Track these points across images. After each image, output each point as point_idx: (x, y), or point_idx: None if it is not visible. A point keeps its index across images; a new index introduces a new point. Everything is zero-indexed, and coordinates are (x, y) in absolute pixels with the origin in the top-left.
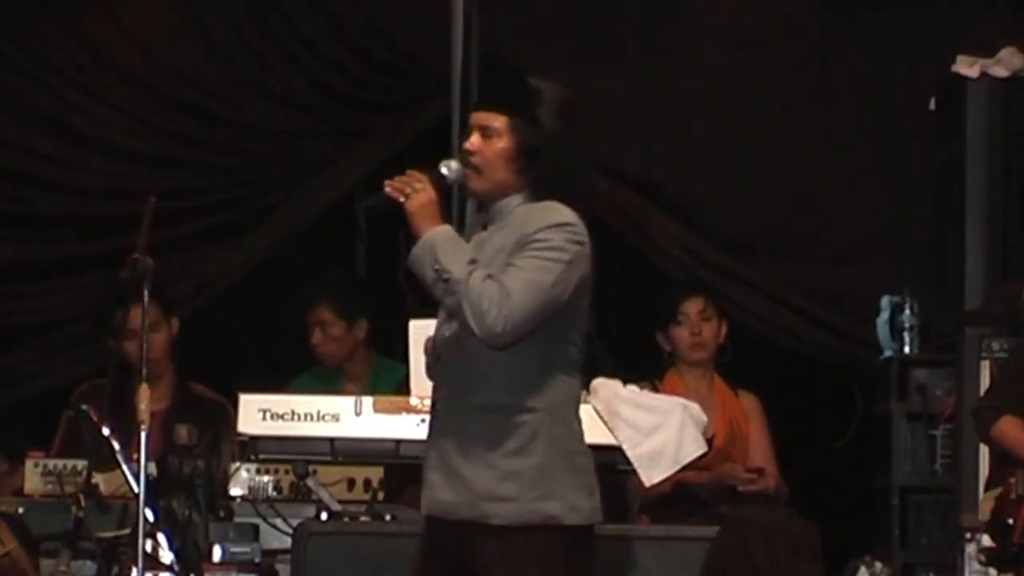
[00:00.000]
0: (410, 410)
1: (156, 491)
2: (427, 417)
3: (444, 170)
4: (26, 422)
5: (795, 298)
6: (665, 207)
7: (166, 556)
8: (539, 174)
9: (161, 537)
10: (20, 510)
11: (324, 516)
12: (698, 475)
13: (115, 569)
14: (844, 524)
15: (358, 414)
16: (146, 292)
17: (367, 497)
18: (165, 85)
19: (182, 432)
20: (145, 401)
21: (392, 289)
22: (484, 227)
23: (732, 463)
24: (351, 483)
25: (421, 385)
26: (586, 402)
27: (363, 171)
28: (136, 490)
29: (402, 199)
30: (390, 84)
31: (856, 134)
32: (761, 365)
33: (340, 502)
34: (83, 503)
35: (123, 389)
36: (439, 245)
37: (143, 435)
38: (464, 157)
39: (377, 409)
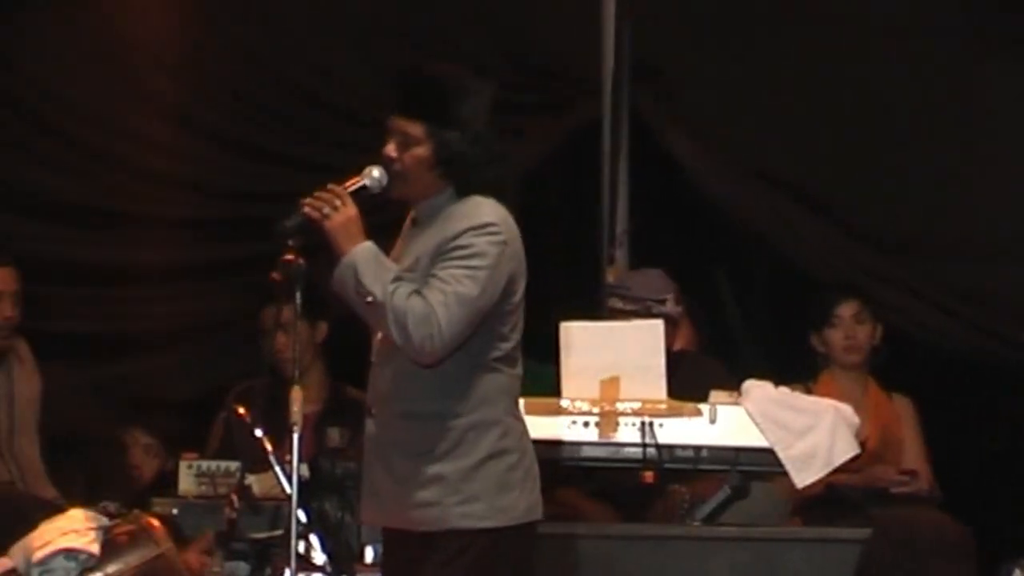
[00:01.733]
0: (561, 412)
1: (308, 493)
2: (579, 419)
3: (366, 180)
4: (182, 423)
5: (949, 300)
6: (817, 209)
7: (319, 557)
8: (461, 176)
9: (314, 538)
10: (174, 511)
11: None
12: (850, 477)
13: (268, 570)
14: (999, 527)
15: None
16: (298, 294)
17: None
18: (318, 88)
19: (334, 435)
20: (298, 403)
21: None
22: (413, 222)
23: (884, 465)
24: None
25: (572, 387)
26: (738, 404)
27: (515, 175)
28: (289, 491)
29: (321, 218)
30: (541, 87)
31: (1007, 131)
32: (916, 368)
33: None
34: (236, 504)
35: (276, 391)
36: (360, 265)
37: (295, 437)
38: (385, 163)
39: (528, 411)
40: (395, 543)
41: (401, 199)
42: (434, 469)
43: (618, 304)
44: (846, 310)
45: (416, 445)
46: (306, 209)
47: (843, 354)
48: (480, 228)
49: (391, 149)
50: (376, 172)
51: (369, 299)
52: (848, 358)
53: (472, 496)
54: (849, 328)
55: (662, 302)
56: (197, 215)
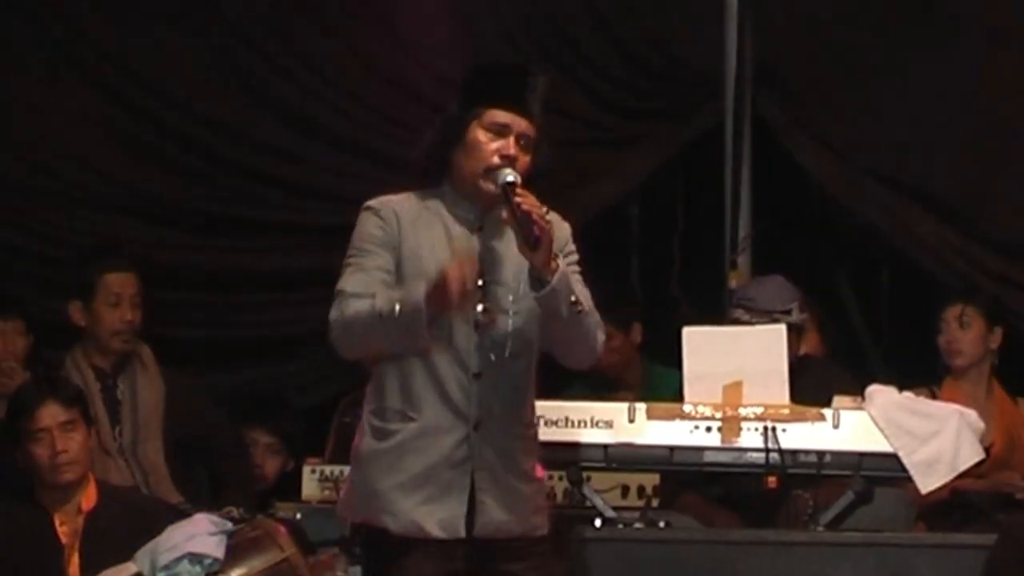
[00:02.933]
0: (684, 417)
1: None
2: (701, 424)
3: (511, 177)
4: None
5: None
6: (940, 212)
7: None
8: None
9: None
10: (298, 516)
11: (598, 523)
12: (975, 483)
13: None
14: None
15: (632, 421)
16: None
17: (640, 504)
18: (438, 96)
19: None
20: None
21: (664, 296)
22: (471, 227)
23: (1010, 471)
24: (625, 490)
25: (696, 392)
26: (861, 408)
27: (636, 179)
28: None
29: (539, 226)
30: (663, 91)
31: None
32: None
33: (614, 508)
34: None
35: None
36: (569, 278)
37: None
38: (511, 163)
39: (651, 416)
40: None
41: (487, 206)
42: (535, 475)
43: (744, 316)
44: (950, 314)
45: (527, 455)
46: (526, 206)
47: (948, 358)
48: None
49: (514, 149)
50: (512, 176)
51: (579, 308)
52: (953, 362)
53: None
54: (952, 332)
55: (788, 312)
56: (322, 221)
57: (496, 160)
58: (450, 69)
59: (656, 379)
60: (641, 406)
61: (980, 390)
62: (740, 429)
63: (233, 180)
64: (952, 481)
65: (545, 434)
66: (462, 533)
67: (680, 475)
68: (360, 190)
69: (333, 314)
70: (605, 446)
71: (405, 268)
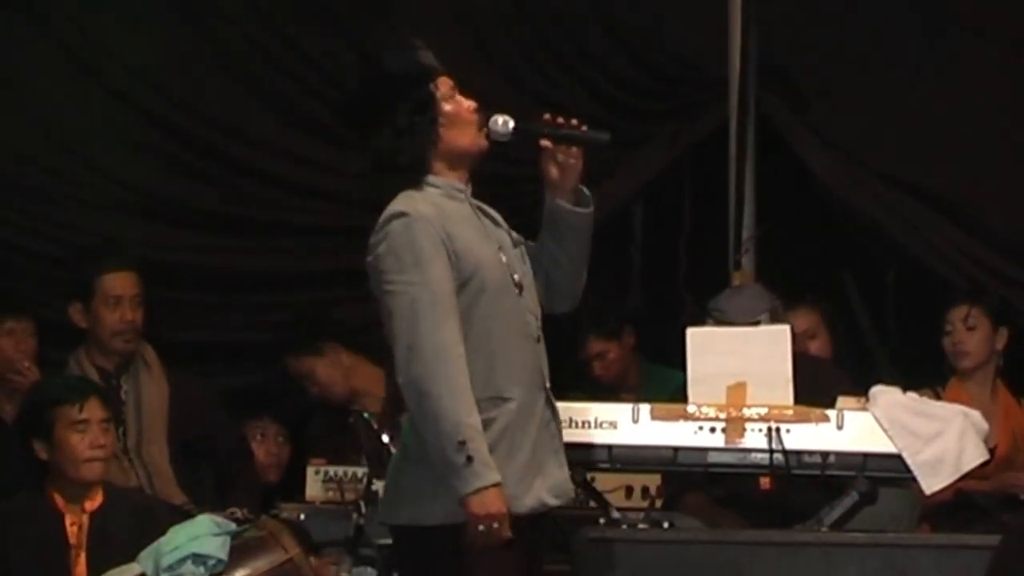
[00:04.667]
0: (688, 417)
1: None
2: (705, 424)
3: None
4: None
5: None
6: (946, 212)
7: None
8: None
9: None
10: (302, 516)
11: (603, 523)
12: (980, 484)
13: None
14: None
15: (635, 421)
16: None
17: (644, 504)
18: None
19: None
20: None
21: (667, 295)
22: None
23: (1015, 472)
24: (629, 490)
25: (699, 393)
26: (865, 409)
27: (642, 180)
28: None
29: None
30: (667, 92)
31: None
32: None
33: (618, 509)
34: (364, 510)
35: (392, 397)
36: None
37: None
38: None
39: (655, 416)
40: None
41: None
42: None
43: (712, 326)
44: (955, 315)
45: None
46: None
47: (954, 360)
48: None
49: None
50: (506, 118)
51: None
52: (959, 364)
53: None
54: (958, 334)
55: (756, 324)
56: (324, 224)
57: (475, 115)
58: (452, 68)
59: (655, 378)
60: (645, 407)
61: (985, 391)
62: (744, 430)
63: (238, 180)
64: (957, 482)
65: None
66: (572, 493)
67: (684, 476)
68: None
69: (419, 369)
70: (609, 447)
71: (461, 264)
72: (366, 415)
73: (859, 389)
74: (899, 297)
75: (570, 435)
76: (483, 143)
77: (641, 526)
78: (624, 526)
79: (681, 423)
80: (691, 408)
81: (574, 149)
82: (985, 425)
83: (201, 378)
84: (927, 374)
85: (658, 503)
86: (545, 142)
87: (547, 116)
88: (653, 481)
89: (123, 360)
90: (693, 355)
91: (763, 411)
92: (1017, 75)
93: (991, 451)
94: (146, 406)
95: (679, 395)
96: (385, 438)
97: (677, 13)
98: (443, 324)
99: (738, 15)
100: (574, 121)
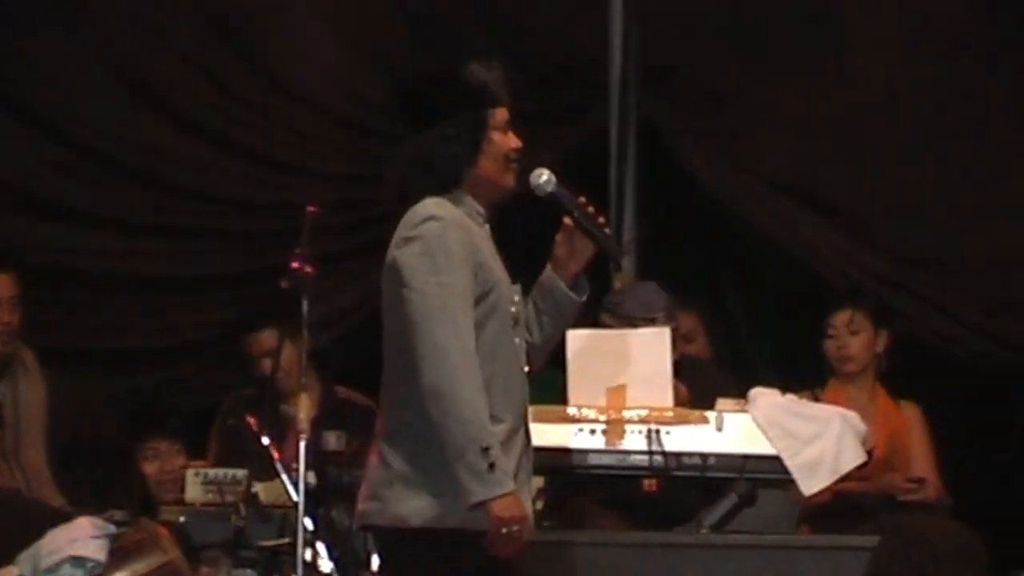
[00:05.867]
0: (568, 420)
1: (315, 500)
2: (585, 426)
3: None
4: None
5: (959, 308)
6: (828, 216)
7: (325, 565)
8: None
9: (320, 546)
10: (182, 519)
11: None
12: (859, 485)
13: None
14: (1009, 534)
15: None
16: (305, 302)
17: None
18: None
19: (331, 439)
20: (304, 410)
21: None
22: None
23: (893, 473)
24: None
25: (579, 395)
26: (744, 411)
27: (522, 182)
28: (296, 499)
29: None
30: (546, 94)
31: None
32: (924, 375)
33: None
34: (243, 512)
35: (269, 399)
36: None
37: (302, 444)
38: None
39: (536, 418)
40: None
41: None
42: None
43: (608, 321)
44: (839, 320)
45: None
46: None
47: (837, 364)
48: None
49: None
50: (549, 176)
51: None
52: (842, 368)
53: None
54: (842, 338)
55: (652, 320)
56: (210, 226)
57: (515, 154)
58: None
59: (538, 380)
60: None
61: (864, 393)
62: (624, 432)
63: (124, 182)
64: (835, 484)
65: None
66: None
67: (567, 478)
68: (255, 195)
69: (447, 372)
70: None
71: (482, 278)
72: (246, 418)
73: (739, 391)
74: (778, 300)
75: None
76: (511, 184)
77: None
78: None
79: (562, 425)
80: (571, 410)
81: (589, 242)
82: (863, 427)
83: (86, 381)
84: (807, 377)
85: (538, 505)
86: (569, 221)
87: (583, 199)
88: (535, 484)
89: (1, 363)
90: (573, 357)
91: (643, 413)
92: (900, 80)
93: (869, 453)
94: (24, 408)
95: (562, 398)
96: (265, 440)
97: (559, 15)
98: (469, 331)
99: (619, 17)
100: (602, 220)
